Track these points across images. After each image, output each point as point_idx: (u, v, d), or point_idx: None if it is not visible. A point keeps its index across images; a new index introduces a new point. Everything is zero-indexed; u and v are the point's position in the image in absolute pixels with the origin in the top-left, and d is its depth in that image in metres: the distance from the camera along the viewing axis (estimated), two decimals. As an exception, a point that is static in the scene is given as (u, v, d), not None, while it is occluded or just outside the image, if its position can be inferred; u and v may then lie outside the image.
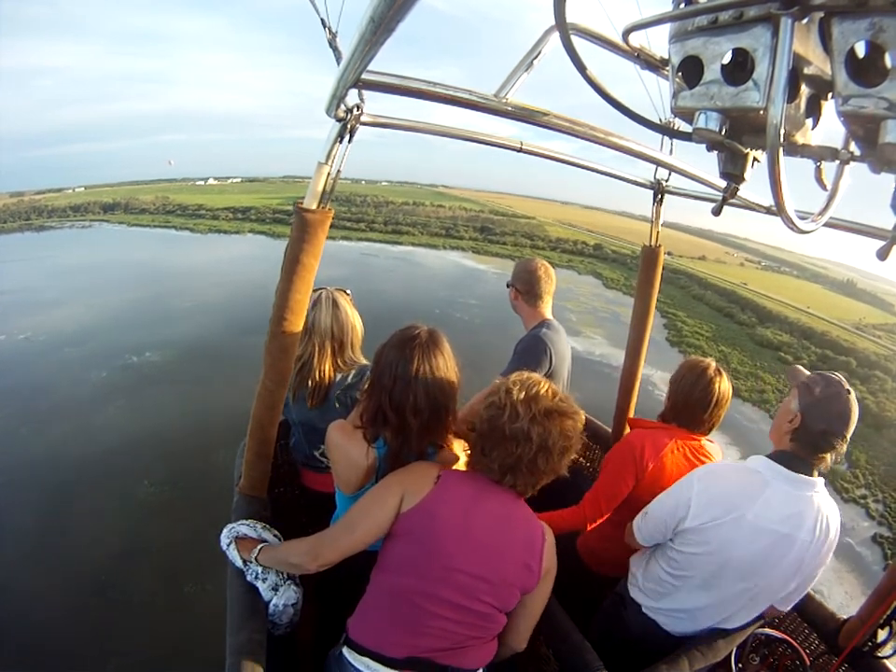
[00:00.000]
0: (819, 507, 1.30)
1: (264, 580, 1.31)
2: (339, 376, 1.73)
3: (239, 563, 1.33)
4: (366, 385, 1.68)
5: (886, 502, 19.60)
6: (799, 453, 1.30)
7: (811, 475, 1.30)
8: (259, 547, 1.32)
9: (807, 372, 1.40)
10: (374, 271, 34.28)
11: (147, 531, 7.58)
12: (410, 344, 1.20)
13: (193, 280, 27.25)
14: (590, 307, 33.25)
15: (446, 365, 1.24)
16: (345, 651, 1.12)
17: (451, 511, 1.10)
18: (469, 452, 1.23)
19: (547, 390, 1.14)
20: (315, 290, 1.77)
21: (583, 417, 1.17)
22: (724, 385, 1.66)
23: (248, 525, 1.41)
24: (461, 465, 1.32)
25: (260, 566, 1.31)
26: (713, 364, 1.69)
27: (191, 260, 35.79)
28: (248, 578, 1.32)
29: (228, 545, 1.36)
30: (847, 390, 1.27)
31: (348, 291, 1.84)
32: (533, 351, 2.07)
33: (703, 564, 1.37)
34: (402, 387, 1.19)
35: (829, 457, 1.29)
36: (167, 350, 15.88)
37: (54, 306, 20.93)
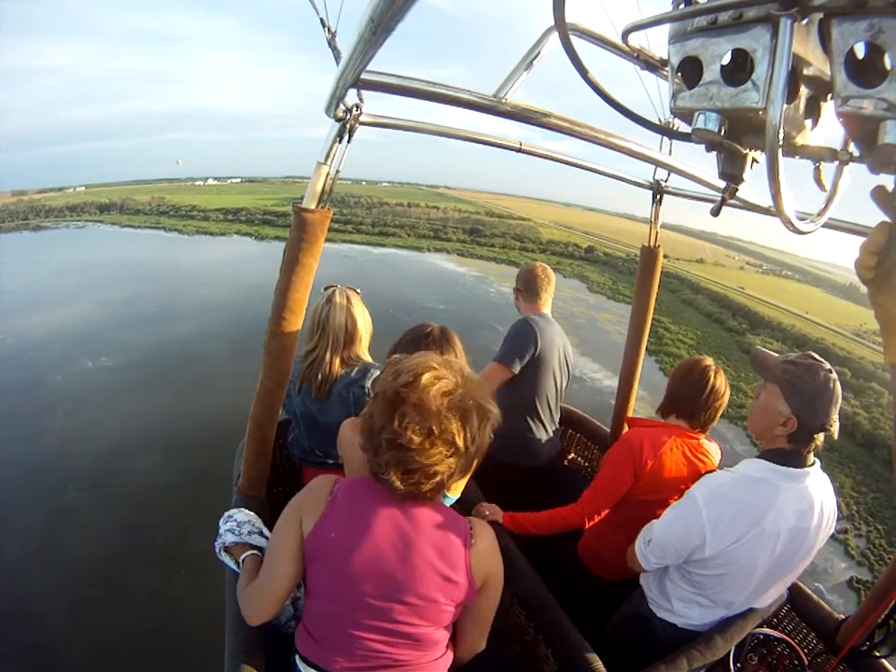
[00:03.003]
0: (819, 489, 1.32)
1: None
2: (342, 372, 1.77)
3: (234, 567, 1.31)
4: (370, 382, 1.67)
5: (869, 538, 16.10)
6: (797, 448, 1.31)
7: (809, 464, 1.32)
8: (243, 557, 1.25)
9: (773, 354, 1.39)
10: (346, 272, 33.61)
11: (58, 539, 7.90)
12: (424, 342, 1.23)
13: (165, 282, 27.70)
14: (567, 312, 32.16)
15: (458, 361, 1.24)
16: (297, 659, 1.07)
17: (345, 533, 0.98)
18: None
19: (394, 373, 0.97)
20: (325, 288, 1.79)
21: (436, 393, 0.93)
22: (720, 379, 1.71)
23: (233, 533, 1.33)
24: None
25: None
26: (710, 361, 1.75)
27: (168, 263, 35.80)
28: None
29: (219, 551, 1.32)
30: (828, 370, 1.27)
31: (358, 290, 1.87)
32: (518, 334, 2.15)
33: (729, 581, 1.37)
34: None
35: (821, 437, 1.30)
36: (121, 356, 16.52)
37: (31, 309, 21.49)
